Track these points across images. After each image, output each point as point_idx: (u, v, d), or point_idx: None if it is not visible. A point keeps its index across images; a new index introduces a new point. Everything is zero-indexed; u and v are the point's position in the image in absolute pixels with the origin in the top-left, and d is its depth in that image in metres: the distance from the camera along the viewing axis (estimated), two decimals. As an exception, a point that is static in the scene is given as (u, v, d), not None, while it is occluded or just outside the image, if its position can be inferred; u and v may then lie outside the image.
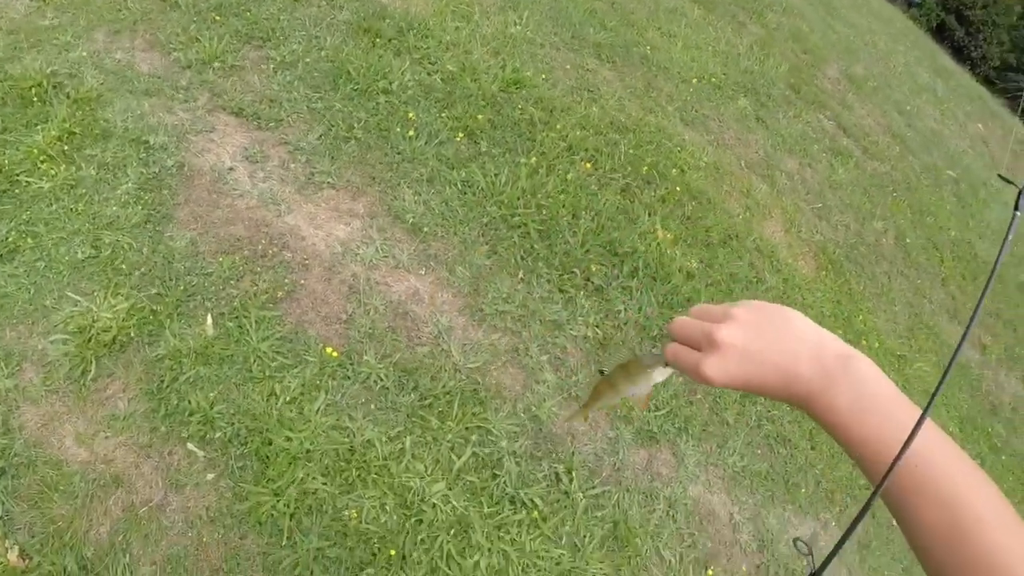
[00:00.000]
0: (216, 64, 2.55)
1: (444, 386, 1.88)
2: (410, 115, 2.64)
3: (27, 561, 1.51)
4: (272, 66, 2.65)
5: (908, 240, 3.95)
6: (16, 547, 1.52)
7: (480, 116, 2.77)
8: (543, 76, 3.23)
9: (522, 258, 2.34)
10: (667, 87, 3.68)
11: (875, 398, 0.36)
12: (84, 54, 2.48)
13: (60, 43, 2.53)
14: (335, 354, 1.83)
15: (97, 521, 1.56)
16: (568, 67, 3.44)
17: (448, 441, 1.78)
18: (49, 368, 1.73)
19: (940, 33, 12.84)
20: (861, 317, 3.13)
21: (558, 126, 2.91)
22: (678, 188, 2.94)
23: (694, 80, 3.83)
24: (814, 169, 3.87)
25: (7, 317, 1.80)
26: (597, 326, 2.26)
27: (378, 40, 3.00)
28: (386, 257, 2.14)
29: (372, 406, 1.80)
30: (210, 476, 1.62)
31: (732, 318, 0.43)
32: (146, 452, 1.65)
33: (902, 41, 7.61)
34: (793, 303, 2.92)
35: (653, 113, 3.40)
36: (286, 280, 1.97)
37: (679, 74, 3.83)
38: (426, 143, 2.56)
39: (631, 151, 2.98)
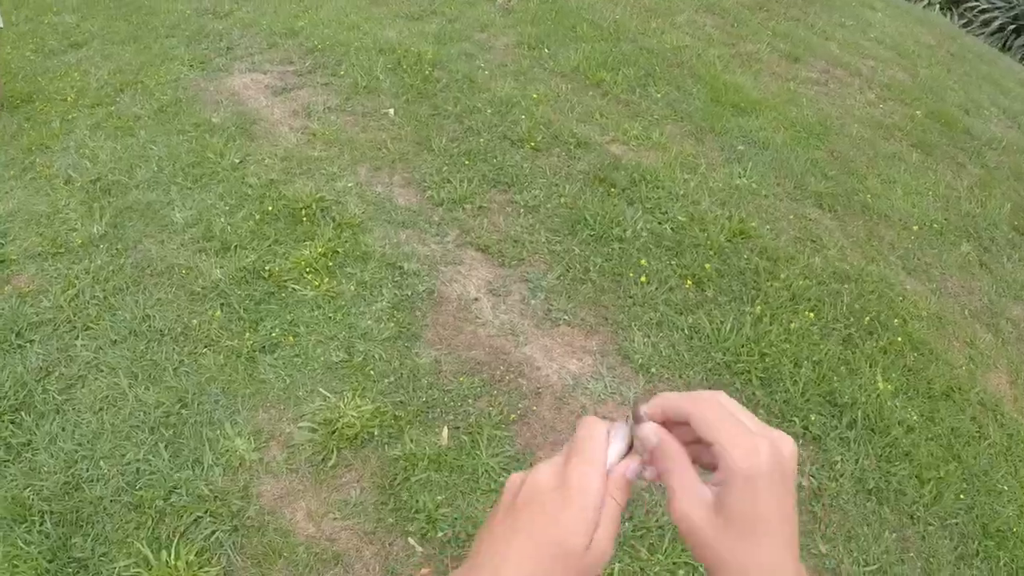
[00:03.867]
0: (466, 204, 4.84)
1: (657, 520, 3.20)
2: (642, 262, 4.58)
3: None
4: (516, 209, 4.88)
5: None
6: None
7: (708, 265, 4.65)
8: (767, 226, 5.21)
9: (744, 404, 3.77)
10: (888, 235, 5.51)
11: None
12: (349, 184, 4.96)
13: (327, 173, 5.09)
14: None
15: None
16: (791, 217, 5.44)
17: (655, 573, 3.03)
18: (293, 450, 3.48)
19: None
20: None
21: (782, 275, 4.68)
22: (899, 338, 4.40)
23: (915, 227, 5.63)
24: (1043, 318, 5.15)
25: (263, 400, 3.68)
26: (812, 476, 3.51)
27: (612, 189, 5.28)
28: (613, 394, 3.75)
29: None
30: (424, 571, 3.06)
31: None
32: (369, 539, 3.18)
33: None
34: (1018, 460, 3.94)
35: (875, 262, 5.11)
36: (519, 405, 3.65)
37: (900, 221, 5.67)
38: (656, 289, 4.43)
39: (853, 301, 4.61)
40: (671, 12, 9.46)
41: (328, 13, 8.37)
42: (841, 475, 3.60)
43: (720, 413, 0.65)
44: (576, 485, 0.63)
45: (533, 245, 4.60)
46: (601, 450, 0.66)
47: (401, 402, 3.64)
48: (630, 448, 0.66)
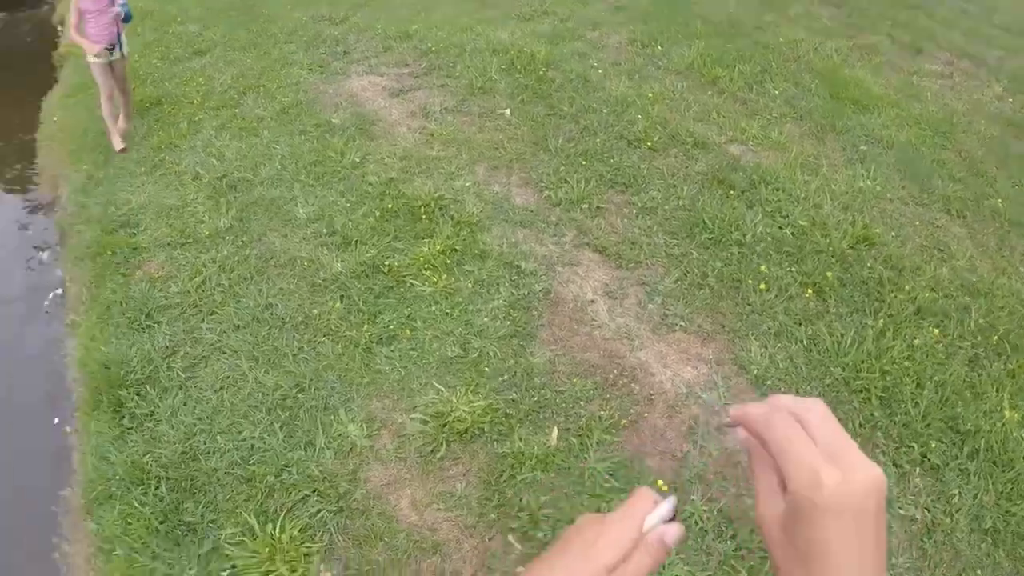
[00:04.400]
0: (583, 204, 5.08)
1: (761, 543, 3.24)
2: (762, 268, 4.67)
3: None
4: (634, 211, 5.08)
5: None
6: (329, 573, 3.33)
7: (829, 273, 4.67)
8: (892, 233, 5.17)
9: (860, 425, 3.81)
10: (1020, 245, 5.35)
11: None
12: (467, 184, 5.30)
13: (446, 172, 5.46)
14: (664, 488, 3.43)
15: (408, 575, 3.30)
16: (917, 223, 5.40)
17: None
18: (404, 439, 3.77)
19: None
20: None
21: (907, 287, 4.64)
22: (1030, 362, 4.30)
23: (1052, 237, 5.39)
24: None
25: (377, 390, 4.00)
26: (927, 508, 3.45)
27: (731, 191, 5.41)
28: (727, 405, 3.83)
29: (688, 544, 3.28)
30: (519, 569, 3.24)
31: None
32: (469, 532, 3.40)
33: None
34: None
35: (1006, 275, 4.97)
36: (631, 410, 3.81)
37: (1035, 230, 5.45)
38: (775, 296, 4.50)
39: (982, 318, 4.50)
40: (785, 4, 9.57)
41: (441, 16, 8.95)
42: (957, 510, 3.52)
43: (792, 434, 0.65)
44: (609, 532, 0.72)
45: (650, 248, 4.78)
46: (643, 512, 0.73)
47: (513, 400, 3.86)
48: (673, 519, 0.73)
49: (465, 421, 3.75)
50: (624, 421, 3.77)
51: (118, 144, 6.61)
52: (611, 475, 3.54)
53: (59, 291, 5.49)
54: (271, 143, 6.19)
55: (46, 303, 5.59)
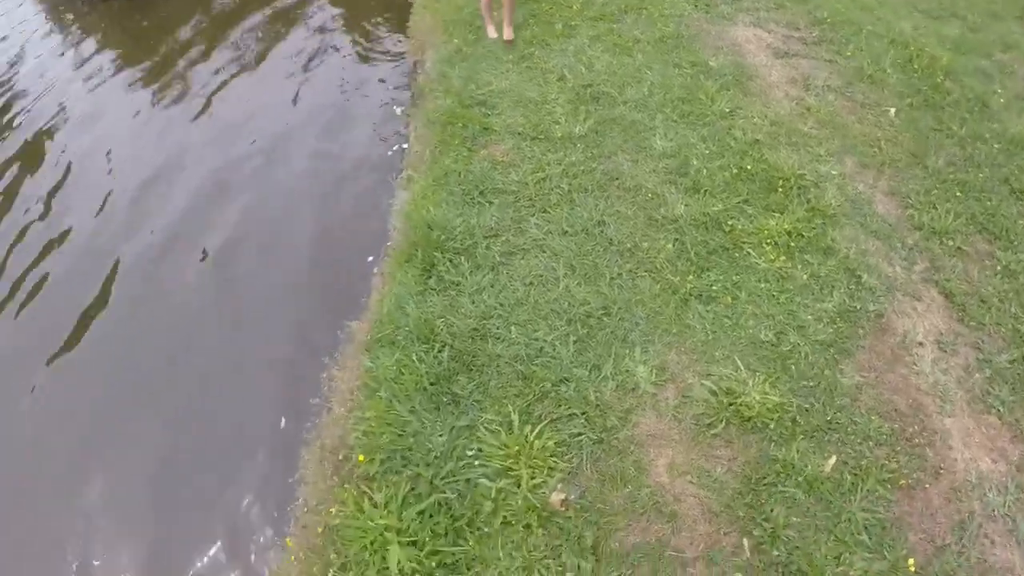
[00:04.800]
0: (945, 239, 4.75)
1: None
2: None
3: (564, 510, 3.46)
4: (995, 266, 4.66)
5: None
6: (563, 495, 3.51)
7: None
8: None
9: None
10: None
11: None
12: (832, 172, 5.15)
13: (813, 153, 5.33)
14: (912, 568, 3.23)
15: (632, 531, 3.39)
16: None
17: None
18: (687, 401, 3.83)
19: None
20: None
21: None
22: None
23: None
24: None
25: (679, 342, 4.09)
26: None
27: None
28: (1007, 516, 3.49)
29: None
30: (737, 575, 3.24)
31: None
32: (710, 517, 3.43)
33: None
34: None
35: None
36: (914, 475, 3.59)
37: None
38: None
39: None
40: None
41: (842, -15, 8.49)
42: None
43: None
44: None
45: (999, 314, 4.37)
46: None
47: (806, 410, 3.78)
48: None
49: (752, 409, 3.74)
50: (903, 481, 3.56)
51: (492, 33, 7.14)
52: (867, 527, 3.38)
53: (404, 146, 6.12)
54: (643, 67, 6.37)
55: (390, 152, 6.29)
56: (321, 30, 9.54)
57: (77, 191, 7.05)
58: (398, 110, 7.14)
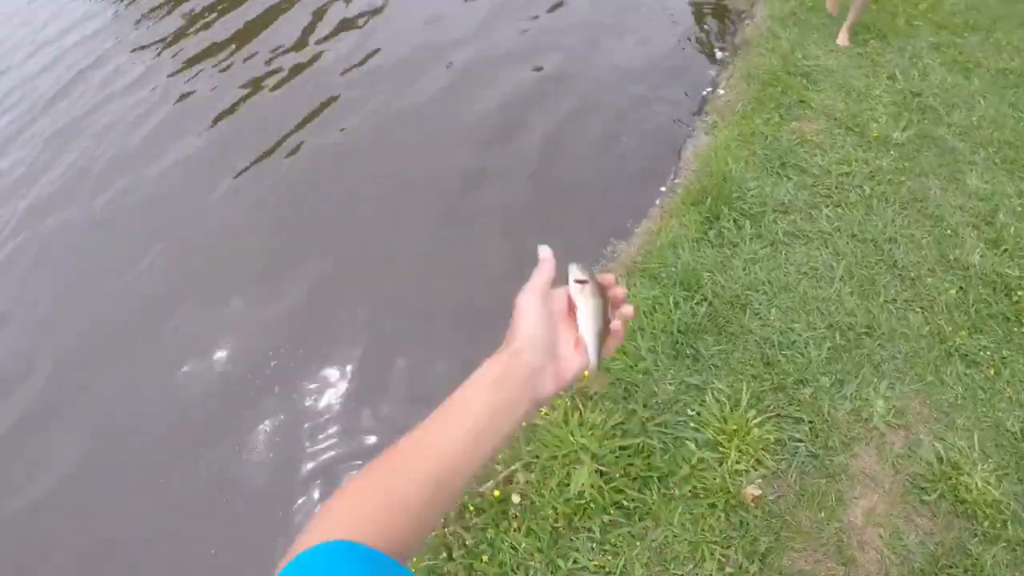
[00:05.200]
0: None
1: None
2: None
3: (753, 505, 3.23)
4: None
5: None
6: (759, 492, 3.27)
7: None
8: None
9: None
10: None
11: None
12: None
13: None
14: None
15: (805, 556, 3.08)
16: None
17: None
18: (911, 457, 3.22)
19: None
20: None
21: None
22: None
23: None
24: None
25: (927, 392, 3.37)
26: None
27: None
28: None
29: None
30: None
31: None
32: None
33: None
34: None
35: None
36: None
37: None
38: None
39: None
40: None
41: None
42: None
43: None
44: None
45: None
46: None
47: (1021, 520, 3.31)
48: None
49: (971, 493, 3.09)
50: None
51: (831, 7, 6.47)
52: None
53: (720, 91, 5.73)
54: (977, 94, 5.35)
55: (703, 93, 5.93)
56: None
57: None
58: (719, 55, 6.67)
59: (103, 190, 6.40)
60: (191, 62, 8.29)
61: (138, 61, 8.78)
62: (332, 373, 4.30)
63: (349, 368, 4.32)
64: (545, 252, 1.00)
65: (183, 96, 7.60)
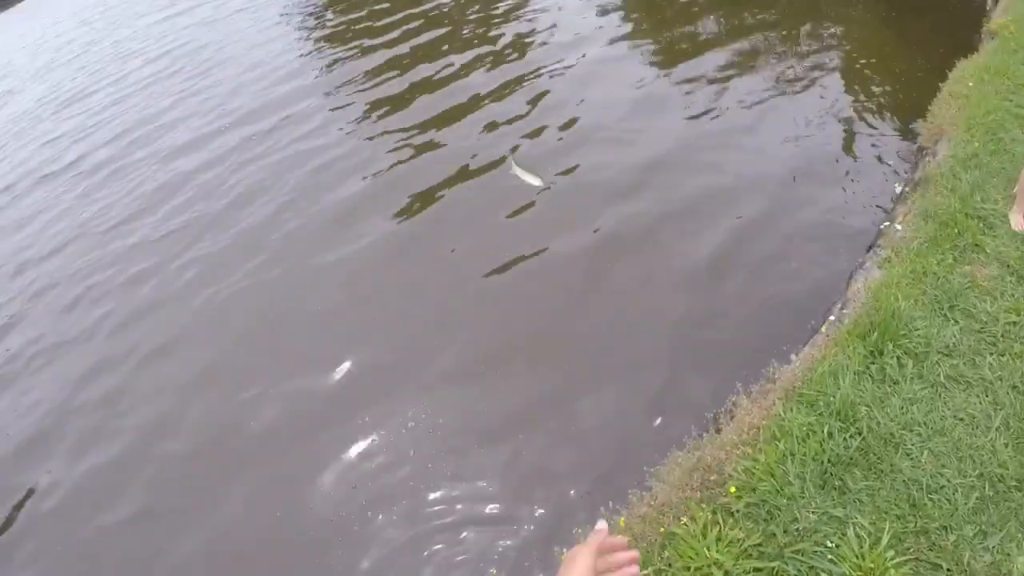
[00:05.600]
0: None
1: None
2: None
3: None
4: None
5: None
6: None
7: None
8: None
9: None
10: None
11: None
12: None
13: None
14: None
15: None
16: None
17: None
18: None
19: None
20: None
21: None
22: None
23: None
24: None
25: None
26: None
27: None
28: None
29: None
30: None
31: None
32: None
33: None
34: None
35: None
36: None
37: None
38: None
39: None
40: None
41: None
42: None
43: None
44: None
45: None
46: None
47: None
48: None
49: None
50: None
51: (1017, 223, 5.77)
52: None
53: (897, 226, 5.87)
54: None
55: (879, 226, 6.14)
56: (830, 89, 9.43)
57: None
58: (898, 187, 6.89)
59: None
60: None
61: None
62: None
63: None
64: (601, 524, 1.48)
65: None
